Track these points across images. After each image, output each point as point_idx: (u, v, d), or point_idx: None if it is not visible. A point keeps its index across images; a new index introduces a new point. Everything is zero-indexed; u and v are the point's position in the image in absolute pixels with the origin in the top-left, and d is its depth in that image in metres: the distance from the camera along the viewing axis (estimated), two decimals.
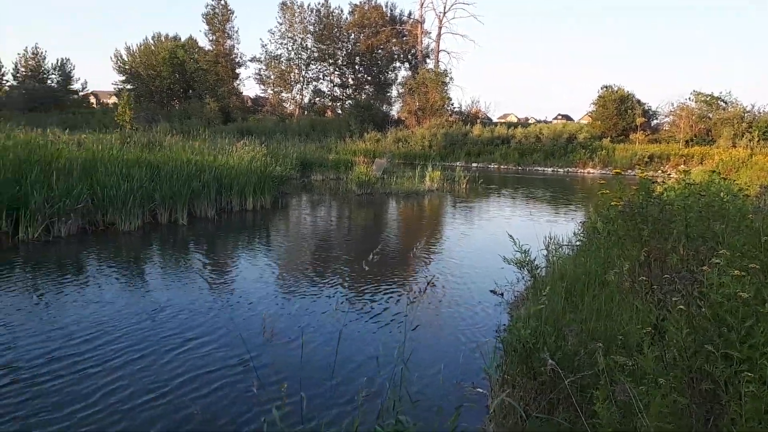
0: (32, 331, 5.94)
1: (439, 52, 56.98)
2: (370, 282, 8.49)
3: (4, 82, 69.39)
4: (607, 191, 6.48)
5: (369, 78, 63.01)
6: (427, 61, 58.60)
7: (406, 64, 61.54)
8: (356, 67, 62.58)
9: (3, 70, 69.91)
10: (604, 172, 37.26)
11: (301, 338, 5.85)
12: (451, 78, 50.67)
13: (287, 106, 62.17)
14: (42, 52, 69.46)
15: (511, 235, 6.35)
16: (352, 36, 60.88)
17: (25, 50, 68.71)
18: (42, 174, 11.30)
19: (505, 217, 16.62)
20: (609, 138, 43.51)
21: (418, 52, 58.51)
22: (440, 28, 56.36)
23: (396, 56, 61.90)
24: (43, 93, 61.63)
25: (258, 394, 4.34)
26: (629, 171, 33.61)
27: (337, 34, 60.73)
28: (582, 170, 38.94)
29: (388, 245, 12.00)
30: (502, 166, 40.60)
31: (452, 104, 51.68)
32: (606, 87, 47.09)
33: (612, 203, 5.53)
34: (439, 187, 23.11)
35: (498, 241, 12.16)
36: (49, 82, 68.02)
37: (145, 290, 7.81)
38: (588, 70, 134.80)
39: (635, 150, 39.55)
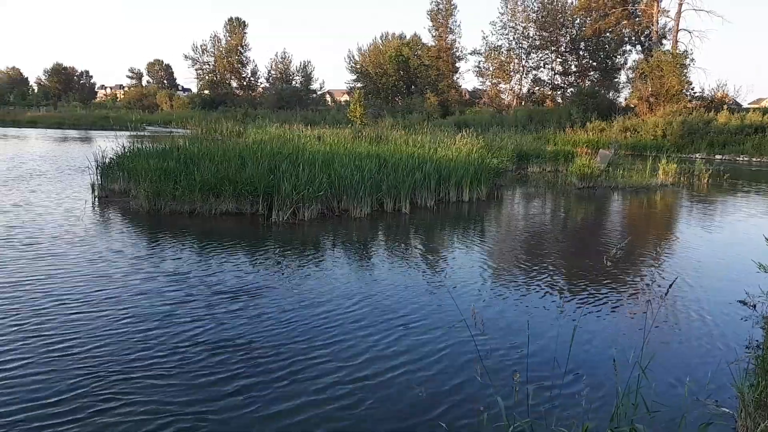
0: (279, 295, 6.91)
1: (678, 31, 51.19)
2: (598, 280, 8.13)
3: (259, 83, 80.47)
4: None
5: (594, 64, 59.44)
6: (663, 42, 53.10)
7: (638, 47, 56.64)
8: (580, 52, 59.50)
9: (259, 74, 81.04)
10: None
11: (526, 331, 5.85)
12: (692, 60, 45.31)
13: (505, 97, 61.67)
14: (289, 56, 79.06)
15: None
16: (578, 21, 57.93)
17: (276, 55, 78.89)
18: (291, 165, 12.94)
19: (756, 219, 14.45)
20: None
21: (653, 33, 53.31)
22: (680, 4, 50.55)
23: (626, 39, 57.34)
24: (290, 93, 69.89)
25: (482, 381, 4.46)
26: None
27: (561, 20, 58.33)
28: None
29: (617, 243, 11.29)
30: (754, 159, 35.04)
31: (692, 89, 46.18)
32: None
33: None
34: (674, 182, 20.93)
35: (748, 245, 10.69)
36: (293, 83, 77.02)
37: (371, 269, 8.52)
38: None
39: None
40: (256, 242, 10.16)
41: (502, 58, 59.78)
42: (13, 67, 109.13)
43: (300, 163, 13.24)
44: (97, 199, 13.71)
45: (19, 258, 8.28)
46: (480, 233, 12.03)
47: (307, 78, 79.37)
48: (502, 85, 61.58)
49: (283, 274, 8.12)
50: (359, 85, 67.29)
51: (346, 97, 75.60)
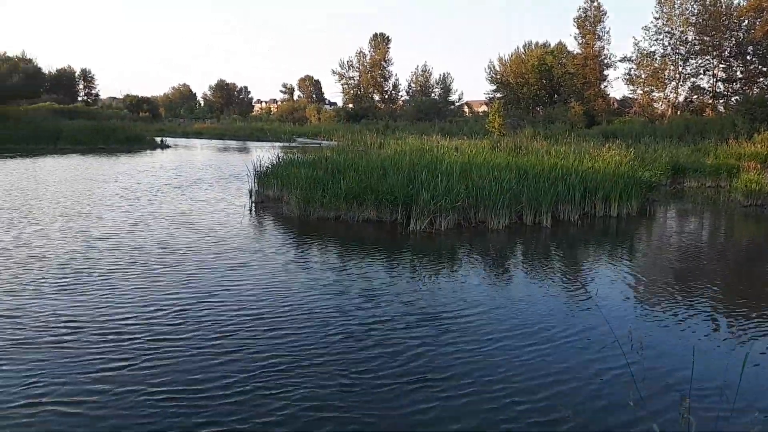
0: (413, 304, 7.03)
1: None
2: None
3: (400, 96, 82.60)
4: None
5: (765, 69, 53.31)
6: None
7: None
8: (748, 57, 53.69)
9: (400, 87, 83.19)
10: None
11: (684, 355, 5.45)
12: None
13: (658, 106, 57.36)
14: (429, 69, 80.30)
15: None
16: (746, 23, 52.41)
17: (417, 68, 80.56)
18: (429, 175, 13.13)
19: None
20: None
21: None
22: None
23: None
24: (428, 105, 70.83)
25: (637, 406, 4.21)
26: None
27: (725, 23, 53.11)
28: None
29: None
30: None
31: None
32: None
33: None
34: None
35: None
36: (432, 95, 78.02)
37: (508, 282, 8.39)
38: None
39: None
40: (394, 249, 10.43)
41: (656, 65, 55.72)
42: (184, 84, 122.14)
43: (438, 173, 13.39)
44: (254, 204, 14.93)
45: (187, 253, 9.27)
46: (629, 251, 11.32)
47: (446, 90, 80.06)
48: (655, 94, 57.35)
49: (418, 282, 8.26)
50: (499, 95, 66.43)
51: (484, 108, 75.01)
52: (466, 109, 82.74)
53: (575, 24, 61.04)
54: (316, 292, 7.47)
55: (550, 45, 66.74)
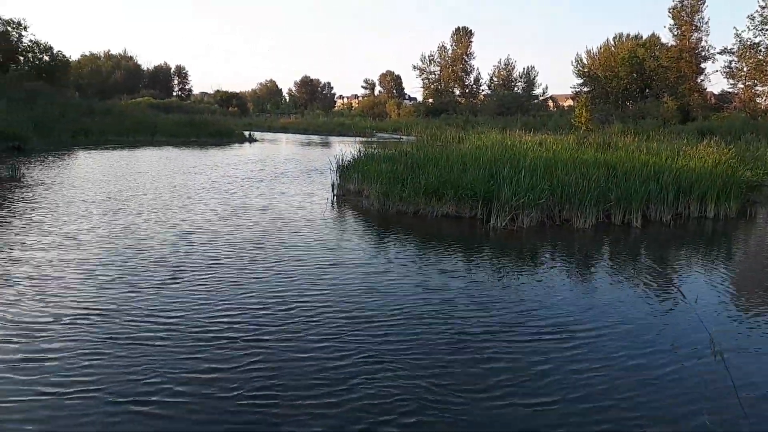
0: (493, 301, 6.90)
1: None
2: None
3: (481, 91, 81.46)
4: None
5: None
6: None
7: None
8: None
9: (481, 81, 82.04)
10: None
11: None
12: None
13: (761, 101, 53.22)
14: (512, 63, 78.66)
15: None
16: None
17: (499, 62, 79.09)
18: (511, 170, 12.85)
19: None
20: None
21: None
22: None
23: None
24: (511, 99, 69.39)
25: (739, 413, 3.94)
26: None
27: None
28: None
29: None
30: None
31: None
32: None
33: None
34: None
35: None
36: (515, 89, 76.36)
37: (594, 283, 8.06)
38: None
39: None
40: (474, 246, 10.30)
41: (760, 57, 51.70)
42: (271, 80, 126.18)
43: (521, 168, 13.08)
44: (335, 197, 15.21)
45: (274, 247, 9.55)
46: (727, 254, 10.60)
47: (530, 83, 78.10)
48: (759, 88, 53.22)
49: (499, 280, 8.11)
50: (586, 89, 64.00)
51: (570, 102, 72.45)
52: (550, 103, 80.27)
53: (670, 14, 57.75)
54: (398, 289, 7.43)
55: (642, 37, 63.47)
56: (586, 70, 65.81)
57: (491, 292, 7.45)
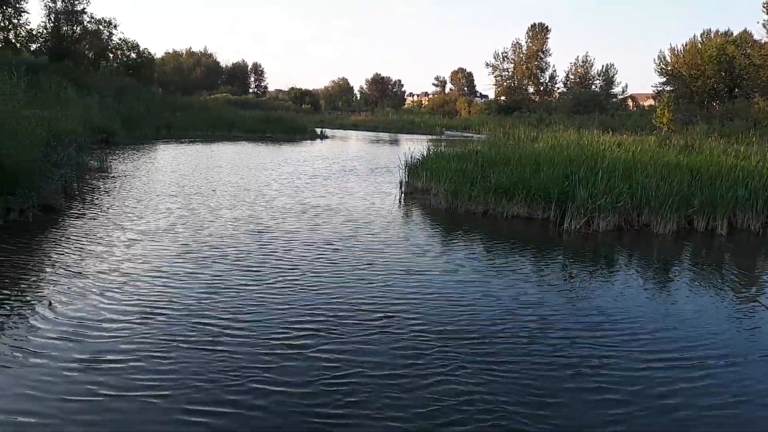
0: (562, 307, 6.67)
1: None
2: None
3: (556, 89, 79.36)
4: None
5: None
6: None
7: None
8: None
9: (557, 78, 79.96)
10: None
11: None
12: None
13: None
14: (591, 60, 76.14)
15: None
16: None
17: (576, 59, 76.75)
18: (588, 172, 12.40)
19: None
20: None
21: None
22: None
23: None
24: (587, 98, 67.06)
25: None
26: None
27: None
28: None
29: None
30: None
31: None
32: None
33: None
34: None
35: None
36: (593, 87, 73.80)
37: (675, 294, 7.67)
38: None
39: None
40: (546, 249, 10.02)
41: None
42: (343, 78, 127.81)
43: (598, 170, 12.59)
44: (403, 194, 15.20)
45: (339, 243, 9.62)
46: None
47: (609, 82, 75.22)
48: None
49: (573, 286, 7.85)
50: (669, 88, 60.95)
51: (650, 102, 69.19)
52: (630, 102, 76.98)
53: (765, 9, 53.99)
54: (469, 291, 7.28)
55: (732, 33, 59.72)
56: (669, 68, 62.69)
57: (564, 298, 7.21)
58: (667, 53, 63.59)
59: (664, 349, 5.63)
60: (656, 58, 64.37)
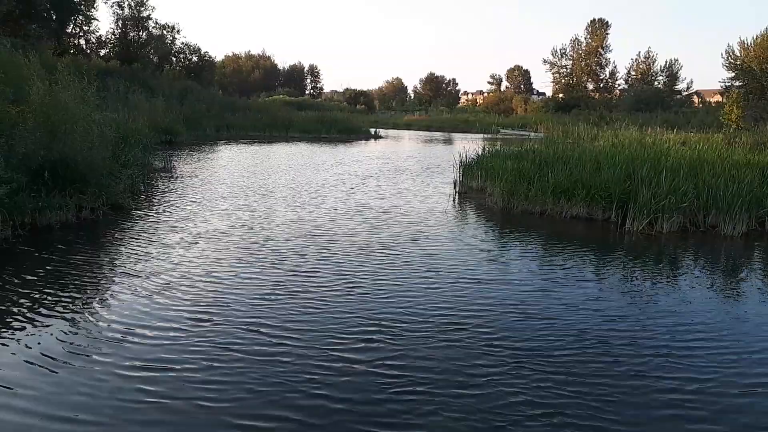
0: (622, 311, 6.47)
1: None
2: None
3: (617, 85, 76.95)
4: None
5: None
6: None
7: None
8: None
9: (617, 75, 77.53)
10: None
11: None
12: None
13: None
14: (653, 56, 73.37)
15: None
16: None
17: (638, 55, 74.16)
18: (651, 171, 11.98)
19: None
20: None
21: None
22: None
23: None
24: (650, 94, 64.74)
25: None
26: None
27: None
28: None
29: None
30: None
31: None
32: None
33: None
34: None
35: None
36: (655, 83, 71.11)
37: (742, 300, 7.33)
38: None
39: None
40: (606, 250, 9.77)
41: None
42: (397, 78, 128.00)
43: (661, 169, 12.14)
44: (457, 194, 15.11)
45: (395, 245, 9.61)
46: None
47: (672, 77, 72.24)
48: None
49: (631, 288, 7.62)
50: (738, 83, 58.04)
51: (718, 98, 66.05)
52: (695, 98, 73.76)
53: None
54: (540, 300, 6.94)
55: None
56: (738, 62, 59.63)
57: (627, 302, 7.01)
58: (736, 47, 60.50)
59: (735, 359, 5.38)
60: (724, 52, 61.39)
